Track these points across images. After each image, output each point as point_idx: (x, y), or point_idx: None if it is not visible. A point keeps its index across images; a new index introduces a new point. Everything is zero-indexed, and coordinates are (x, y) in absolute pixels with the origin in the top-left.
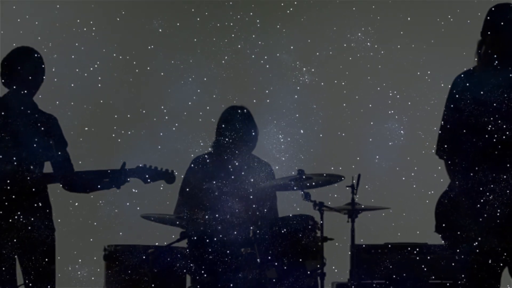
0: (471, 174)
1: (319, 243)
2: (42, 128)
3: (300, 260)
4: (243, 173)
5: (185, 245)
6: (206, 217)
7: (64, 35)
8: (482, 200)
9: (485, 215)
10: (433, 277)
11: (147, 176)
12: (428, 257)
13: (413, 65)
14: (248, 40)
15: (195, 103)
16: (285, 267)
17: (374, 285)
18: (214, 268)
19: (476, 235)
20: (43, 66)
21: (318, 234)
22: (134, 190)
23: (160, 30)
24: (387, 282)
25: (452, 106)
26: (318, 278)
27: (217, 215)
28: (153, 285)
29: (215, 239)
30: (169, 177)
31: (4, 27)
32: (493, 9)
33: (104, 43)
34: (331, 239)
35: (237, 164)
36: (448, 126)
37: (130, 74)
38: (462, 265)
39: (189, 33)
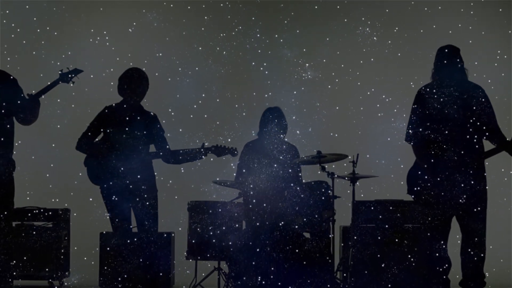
0: (430, 153)
1: (331, 200)
2: (146, 122)
3: (319, 211)
4: (281, 152)
5: (241, 201)
6: (256, 183)
7: (62, 34)
8: (438, 171)
9: (440, 181)
10: (406, 223)
11: (223, 149)
12: (403, 209)
13: (422, 61)
14: (248, 35)
15: (192, 101)
16: (309, 217)
17: (367, 227)
18: (262, 217)
19: (433, 193)
20: (148, 81)
21: (330, 193)
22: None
23: (155, 24)
24: (375, 226)
25: (417, 107)
26: (330, 223)
27: (263, 182)
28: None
29: (262, 197)
30: (233, 152)
31: (4, 27)
32: (439, 49)
33: (100, 40)
34: (339, 197)
35: (276, 146)
36: (415, 121)
37: (122, 70)
38: (423, 213)
39: (185, 27)
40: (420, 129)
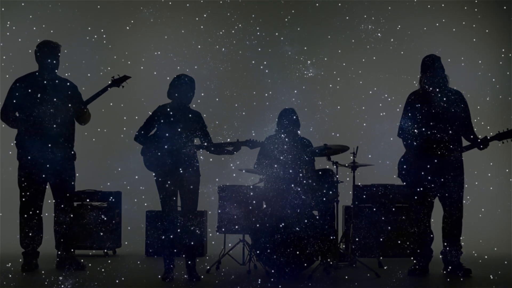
0: (417, 146)
1: (335, 184)
2: (192, 120)
3: (325, 193)
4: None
5: (262, 185)
6: (274, 169)
7: (58, 32)
8: (424, 160)
9: (426, 169)
10: (397, 203)
11: (255, 143)
12: (395, 191)
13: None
14: (248, 31)
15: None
16: (317, 198)
17: (365, 206)
18: (281, 197)
19: (420, 178)
20: (194, 86)
21: (335, 179)
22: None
23: (151, 20)
24: (372, 205)
25: (408, 109)
26: (335, 203)
27: (280, 169)
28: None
29: (281, 178)
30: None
31: (4, 28)
32: (424, 58)
33: (97, 38)
34: (342, 182)
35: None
36: (405, 120)
37: (120, 69)
38: (411, 195)
39: (182, 23)
40: (410, 127)
